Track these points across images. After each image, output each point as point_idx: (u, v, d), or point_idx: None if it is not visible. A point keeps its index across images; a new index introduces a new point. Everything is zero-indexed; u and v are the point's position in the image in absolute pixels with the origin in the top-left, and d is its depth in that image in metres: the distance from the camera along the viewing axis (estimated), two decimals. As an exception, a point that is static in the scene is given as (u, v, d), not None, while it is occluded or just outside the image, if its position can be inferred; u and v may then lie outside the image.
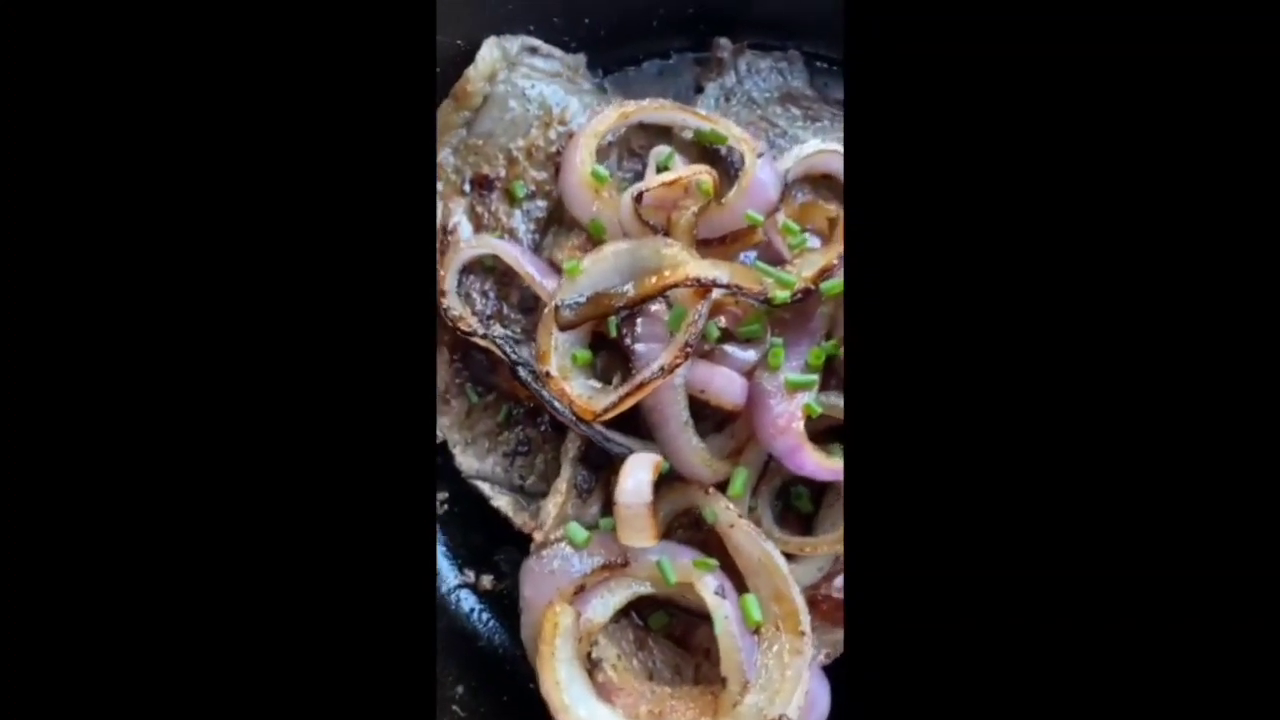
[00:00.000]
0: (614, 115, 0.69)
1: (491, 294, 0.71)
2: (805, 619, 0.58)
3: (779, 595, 0.58)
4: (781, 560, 0.59)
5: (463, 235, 0.71)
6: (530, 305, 0.70)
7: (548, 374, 0.62)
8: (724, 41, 0.79)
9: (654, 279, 0.61)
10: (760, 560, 0.59)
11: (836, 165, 0.71)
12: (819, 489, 0.65)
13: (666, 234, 0.65)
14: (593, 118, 0.70)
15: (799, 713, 0.56)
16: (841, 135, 0.76)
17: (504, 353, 0.64)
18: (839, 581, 0.64)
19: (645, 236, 0.64)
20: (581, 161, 0.67)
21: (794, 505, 0.66)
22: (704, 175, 0.65)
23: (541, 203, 0.73)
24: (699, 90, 0.79)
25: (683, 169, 0.66)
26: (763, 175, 0.66)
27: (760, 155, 0.67)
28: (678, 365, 0.58)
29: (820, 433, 0.64)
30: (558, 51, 0.77)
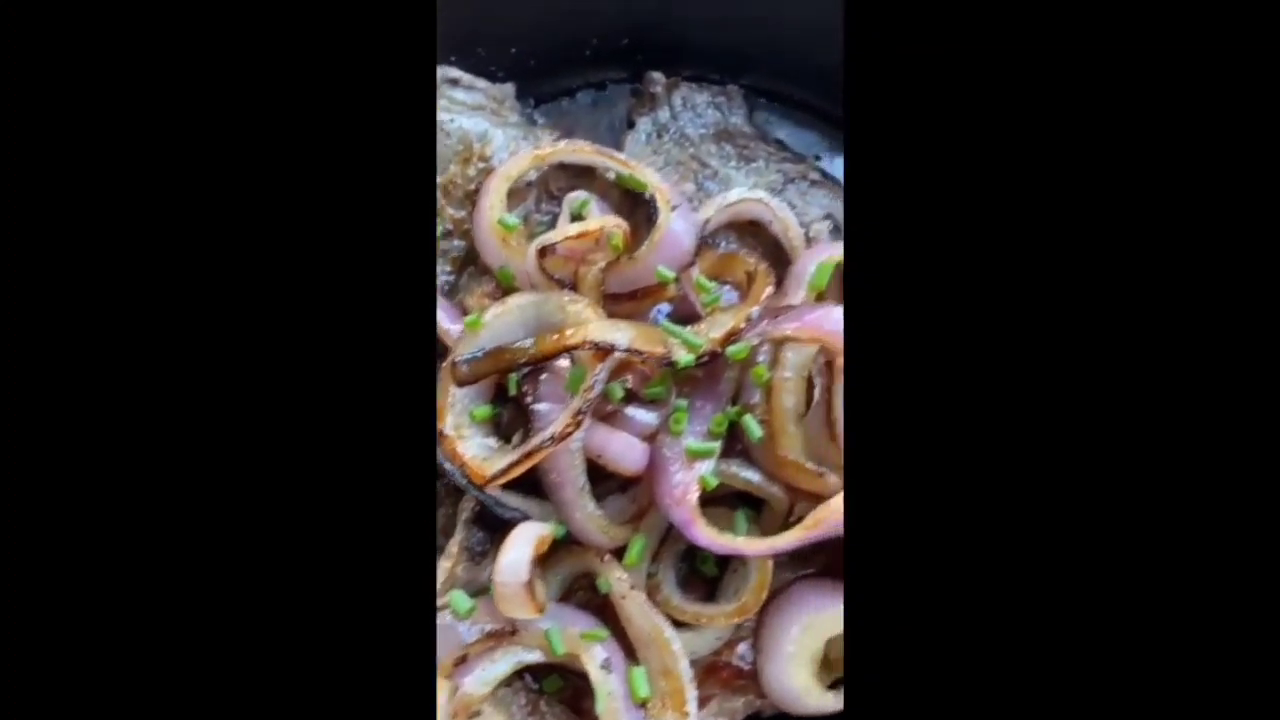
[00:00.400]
0: (527, 159, 0.67)
1: (401, 338, 0.69)
2: (691, 698, 0.57)
3: (666, 671, 0.57)
4: (672, 635, 0.58)
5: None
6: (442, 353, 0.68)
7: (440, 433, 0.60)
8: (657, 76, 0.76)
9: (555, 337, 0.59)
10: (650, 634, 0.58)
11: (761, 213, 0.68)
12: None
13: (574, 288, 0.62)
14: (508, 159, 0.67)
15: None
16: (774, 178, 0.74)
17: (401, 406, 0.63)
18: (742, 648, 0.63)
19: (551, 290, 0.62)
20: (490, 207, 0.65)
21: (699, 569, 0.65)
22: (615, 229, 0.62)
23: (459, 242, 0.71)
24: (630, 125, 0.76)
25: (594, 220, 0.64)
26: (677, 227, 0.64)
27: (675, 207, 0.64)
28: (569, 434, 0.56)
29: (727, 497, 0.62)
30: (481, 82, 0.74)
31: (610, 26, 0.75)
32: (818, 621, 0.61)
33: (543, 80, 0.77)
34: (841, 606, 0.61)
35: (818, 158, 0.77)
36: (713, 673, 0.63)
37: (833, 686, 0.62)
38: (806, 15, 0.73)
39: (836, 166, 0.76)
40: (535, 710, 0.61)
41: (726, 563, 0.64)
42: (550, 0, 0.73)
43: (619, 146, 0.75)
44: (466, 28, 0.71)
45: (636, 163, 0.67)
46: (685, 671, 0.57)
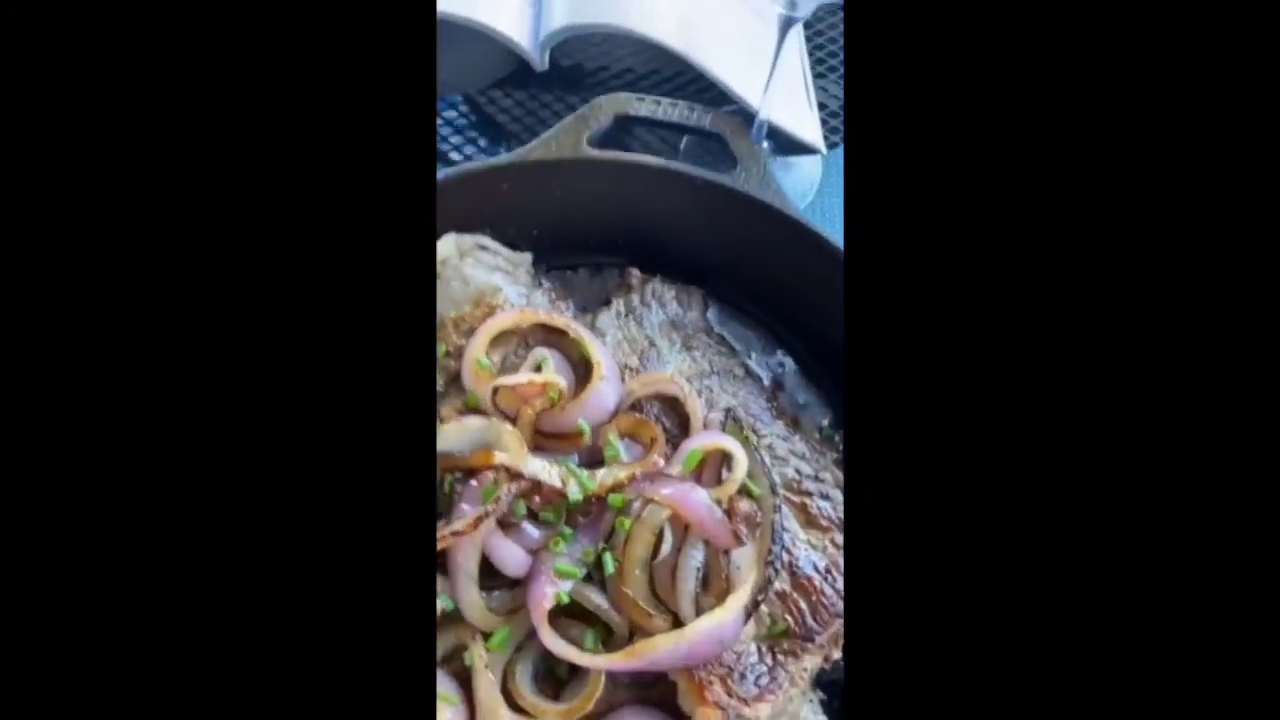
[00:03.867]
0: (512, 318, 0.88)
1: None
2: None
3: (495, 745, 0.70)
4: (506, 712, 0.71)
5: (384, 374, 0.91)
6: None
7: (385, 507, 0.78)
8: (634, 271, 0.97)
9: (484, 455, 0.78)
10: (489, 708, 0.72)
11: (676, 393, 0.86)
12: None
13: (514, 421, 0.81)
14: (501, 314, 0.89)
15: None
16: (704, 365, 0.92)
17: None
18: (571, 745, 0.75)
19: (497, 420, 0.81)
20: (474, 349, 0.86)
21: (554, 671, 0.78)
22: (553, 384, 0.82)
23: (455, 364, 0.92)
24: (607, 303, 0.97)
25: (541, 375, 0.83)
26: (603, 395, 0.82)
27: (604, 379, 0.83)
28: (464, 532, 0.73)
29: (587, 617, 0.76)
30: (505, 250, 0.97)
31: (608, 230, 0.98)
32: (635, 740, 0.73)
33: (553, 255, 1.00)
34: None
35: (749, 355, 0.95)
36: (545, 762, 0.75)
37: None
38: (762, 245, 0.94)
39: (759, 364, 0.93)
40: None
41: (575, 671, 0.78)
42: (567, 209, 0.96)
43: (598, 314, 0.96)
44: (501, 213, 0.95)
45: (591, 338, 0.87)
46: (508, 749, 0.70)
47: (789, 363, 0.94)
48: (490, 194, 0.93)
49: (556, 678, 0.78)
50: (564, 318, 0.89)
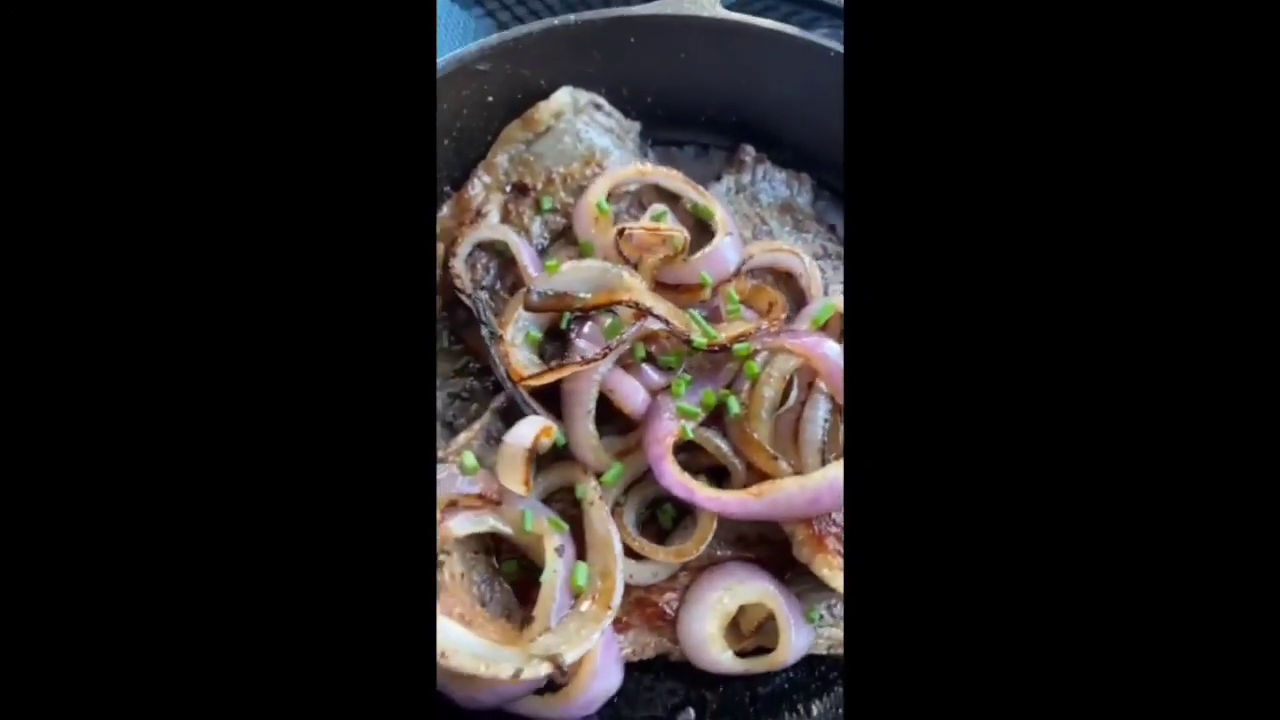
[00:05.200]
0: (632, 170, 0.86)
1: (492, 270, 0.86)
2: (617, 598, 0.68)
3: (605, 572, 0.69)
4: (619, 545, 0.70)
5: (490, 220, 0.88)
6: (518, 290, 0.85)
7: (500, 337, 0.76)
8: (749, 148, 0.96)
9: (608, 294, 0.76)
10: (603, 538, 0.70)
11: (795, 265, 0.84)
12: (682, 511, 0.76)
13: (635, 267, 0.79)
14: (618, 167, 0.87)
15: (590, 677, 0.66)
16: (816, 248, 0.91)
17: (478, 311, 0.79)
18: (669, 596, 0.74)
19: (618, 264, 0.79)
20: (594, 193, 0.84)
21: (658, 518, 0.77)
22: (677, 234, 0.80)
23: (560, 219, 0.89)
24: (717, 178, 0.96)
25: (666, 225, 0.81)
26: (726, 250, 0.81)
27: (729, 235, 0.81)
28: (596, 361, 0.71)
29: (698, 470, 0.75)
30: (617, 113, 0.95)
31: (724, 104, 0.96)
32: (740, 590, 0.72)
33: (662, 128, 0.97)
34: (767, 585, 0.71)
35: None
36: (639, 606, 0.74)
37: (737, 654, 0.72)
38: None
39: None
40: (489, 582, 0.73)
41: (679, 521, 0.77)
42: (687, 76, 0.94)
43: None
44: (620, 71, 0.93)
45: (712, 198, 0.86)
46: (620, 576, 0.68)
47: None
48: (617, 47, 0.90)
49: (659, 526, 0.77)
50: (682, 177, 0.87)
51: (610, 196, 0.86)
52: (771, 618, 0.71)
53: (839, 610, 0.75)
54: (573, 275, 0.79)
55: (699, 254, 0.80)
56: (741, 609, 0.73)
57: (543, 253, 0.88)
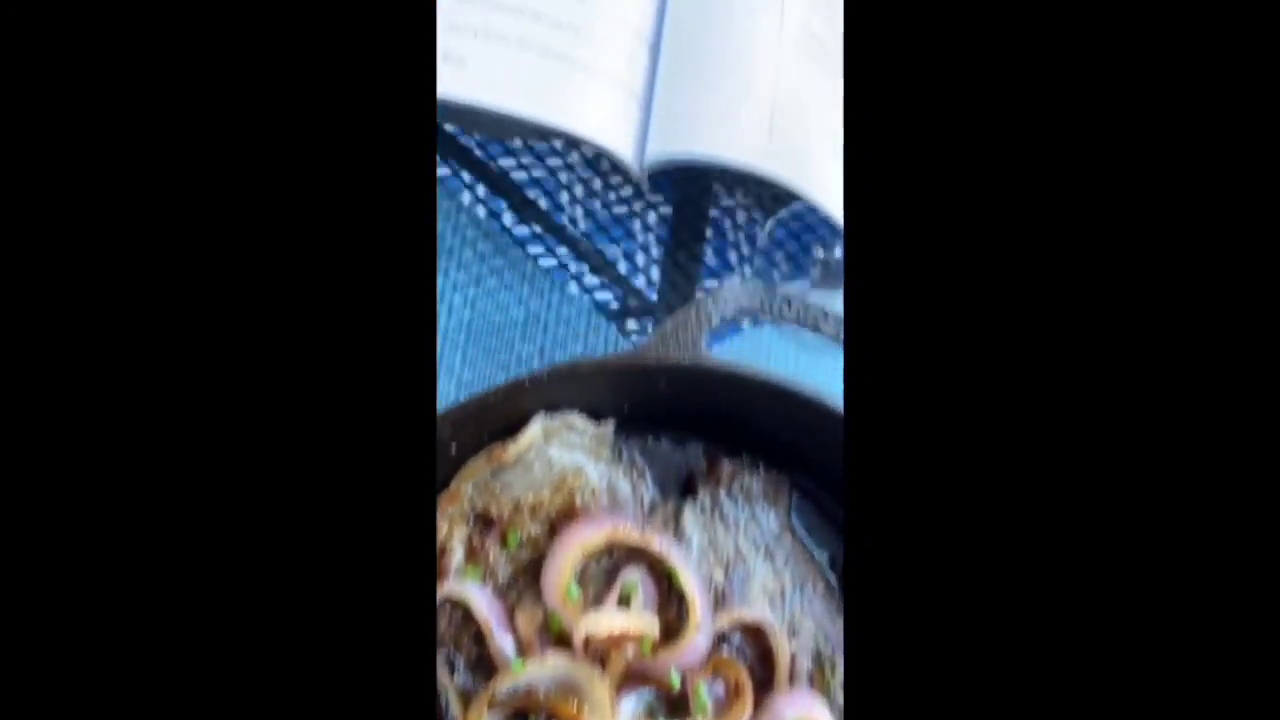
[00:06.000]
0: (603, 537, 0.83)
1: (456, 620, 0.84)
2: None
3: None
4: None
5: (453, 562, 0.85)
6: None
7: (450, 730, 0.77)
8: (727, 462, 0.91)
9: (570, 707, 0.76)
10: None
11: (767, 630, 0.85)
12: None
13: (603, 665, 0.79)
14: (586, 526, 0.83)
15: None
16: (787, 580, 0.90)
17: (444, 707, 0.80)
18: None
19: (584, 663, 0.79)
20: (561, 572, 0.81)
21: None
22: (648, 632, 0.79)
23: (526, 553, 0.87)
24: (690, 488, 0.92)
25: (634, 618, 0.80)
26: (699, 642, 0.80)
27: (699, 629, 0.80)
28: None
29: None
30: (591, 428, 0.89)
31: (703, 412, 0.90)
32: None
33: (635, 426, 0.92)
34: None
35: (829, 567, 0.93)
36: None
37: None
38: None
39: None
40: None
41: None
42: (671, 396, 0.87)
43: (681, 496, 0.91)
44: (602, 395, 0.86)
45: (682, 565, 0.83)
46: None
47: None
48: (590, 386, 0.83)
49: None
50: (655, 540, 0.84)
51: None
52: None
53: None
54: (538, 672, 0.78)
55: (668, 650, 0.80)
56: None
57: (510, 587, 0.86)
